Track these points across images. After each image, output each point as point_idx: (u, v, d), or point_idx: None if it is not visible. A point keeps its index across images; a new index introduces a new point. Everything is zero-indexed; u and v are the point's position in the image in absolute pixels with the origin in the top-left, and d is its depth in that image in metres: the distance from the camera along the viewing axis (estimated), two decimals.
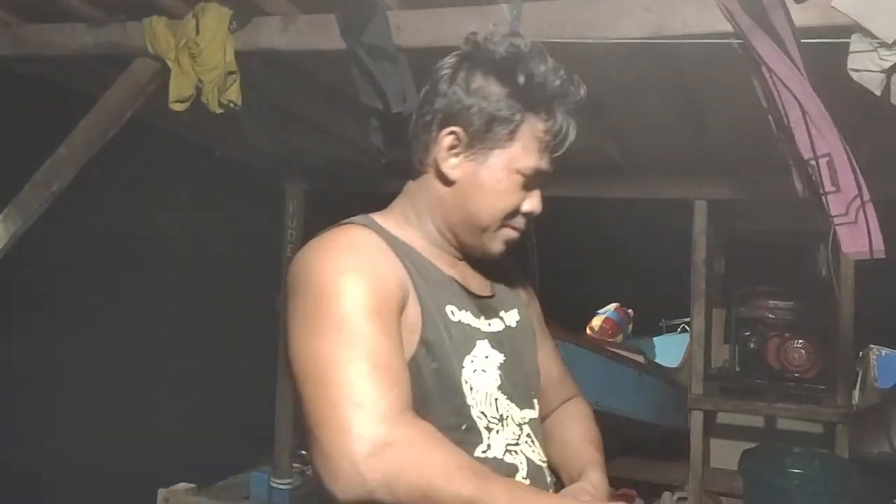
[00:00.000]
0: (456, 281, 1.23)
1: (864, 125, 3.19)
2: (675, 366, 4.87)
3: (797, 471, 3.12)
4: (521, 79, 1.17)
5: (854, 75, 2.09)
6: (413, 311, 1.13)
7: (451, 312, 1.18)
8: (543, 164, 1.21)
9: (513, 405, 1.21)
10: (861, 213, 1.99)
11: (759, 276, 4.91)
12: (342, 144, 4.08)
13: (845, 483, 3.14)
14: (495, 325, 1.26)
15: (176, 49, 2.46)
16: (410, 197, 1.27)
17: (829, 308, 4.03)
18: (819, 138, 2.01)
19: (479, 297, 1.27)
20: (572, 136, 1.21)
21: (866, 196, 1.99)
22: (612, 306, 5.77)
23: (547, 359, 1.44)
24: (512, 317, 1.32)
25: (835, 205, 2.00)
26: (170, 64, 2.49)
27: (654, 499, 4.34)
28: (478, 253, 1.26)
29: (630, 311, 5.77)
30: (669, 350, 5.28)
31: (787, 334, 4.20)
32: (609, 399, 3.94)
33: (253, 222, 4.89)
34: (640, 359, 4.35)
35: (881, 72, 2.05)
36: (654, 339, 5.75)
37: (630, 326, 5.70)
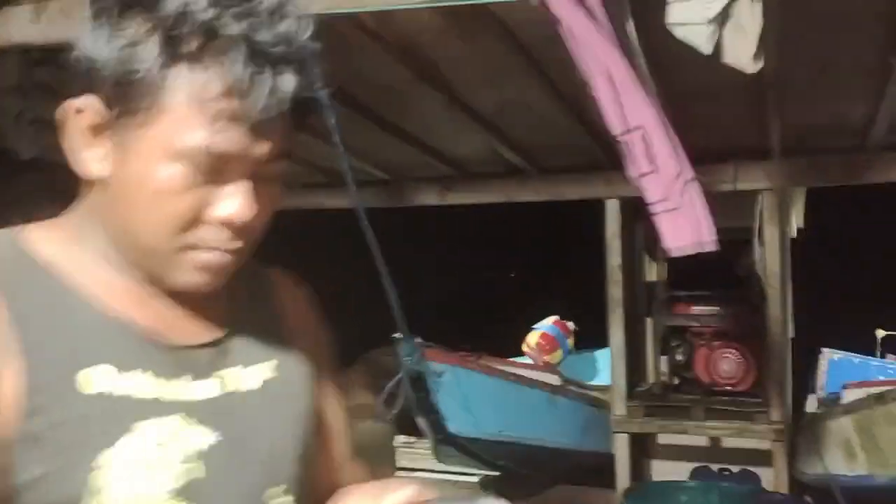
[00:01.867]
0: (128, 326, 0.80)
1: (767, 98, 2.80)
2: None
3: None
4: (165, 14, 0.72)
5: (677, 31, 1.70)
6: (9, 386, 0.73)
7: (91, 381, 0.76)
8: (224, 141, 0.74)
9: None
10: (686, 197, 1.60)
11: (703, 280, 4.50)
12: None
13: None
14: (209, 389, 0.82)
15: None
16: (90, 200, 0.83)
17: (763, 312, 3.62)
18: (631, 109, 1.62)
19: (185, 349, 0.83)
20: (283, 87, 0.73)
21: (689, 174, 1.60)
22: (551, 320, 5.32)
23: (337, 433, 0.99)
24: (256, 374, 0.87)
25: (653, 188, 1.61)
26: None
27: None
28: (172, 287, 0.81)
29: (570, 323, 5.32)
30: None
31: (715, 343, 3.77)
32: (515, 427, 3.51)
33: None
34: (556, 379, 3.93)
35: (707, 23, 1.67)
36: (597, 353, 5.31)
37: (571, 340, 5.25)
